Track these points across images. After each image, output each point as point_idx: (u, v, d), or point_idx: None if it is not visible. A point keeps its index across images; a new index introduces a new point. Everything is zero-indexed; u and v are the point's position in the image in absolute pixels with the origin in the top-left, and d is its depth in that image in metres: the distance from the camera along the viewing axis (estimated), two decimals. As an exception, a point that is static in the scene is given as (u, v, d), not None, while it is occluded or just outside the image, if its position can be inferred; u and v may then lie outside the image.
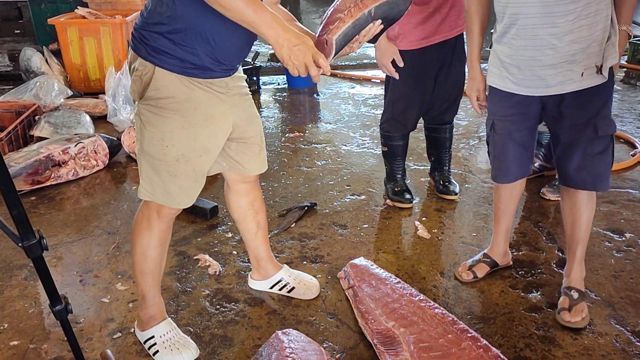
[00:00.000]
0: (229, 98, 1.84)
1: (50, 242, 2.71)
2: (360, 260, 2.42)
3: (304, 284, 2.30)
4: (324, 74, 1.60)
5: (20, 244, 1.20)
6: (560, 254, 2.58)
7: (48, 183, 3.26)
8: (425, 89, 2.79)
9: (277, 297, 2.30)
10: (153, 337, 2.00)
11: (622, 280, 2.40)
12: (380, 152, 3.14)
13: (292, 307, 2.25)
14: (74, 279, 2.44)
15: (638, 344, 2.03)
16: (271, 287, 2.31)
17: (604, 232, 2.76)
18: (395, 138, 2.95)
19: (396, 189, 3.06)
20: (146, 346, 2.02)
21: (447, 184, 3.13)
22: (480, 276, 2.42)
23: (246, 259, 2.54)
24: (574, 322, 2.11)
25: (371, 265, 2.38)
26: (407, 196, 3.03)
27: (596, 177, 2.07)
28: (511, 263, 2.50)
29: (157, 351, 1.98)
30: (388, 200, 3.06)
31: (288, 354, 1.77)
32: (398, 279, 2.25)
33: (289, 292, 2.29)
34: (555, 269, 2.48)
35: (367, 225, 2.85)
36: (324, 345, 2.03)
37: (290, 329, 1.95)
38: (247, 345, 2.05)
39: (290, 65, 1.54)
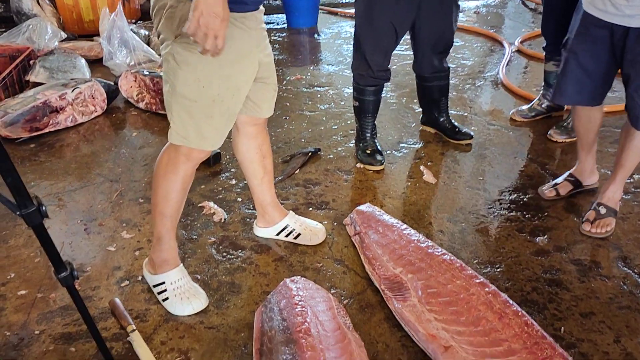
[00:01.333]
0: (256, 34, 1.79)
1: (52, 190, 2.69)
2: (367, 207, 2.40)
3: (310, 229, 2.29)
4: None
5: (18, 212, 1.15)
6: (569, 197, 2.56)
7: (46, 130, 3.20)
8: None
9: (284, 244, 2.29)
10: (164, 283, 1.99)
11: (629, 222, 2.39)
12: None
13: (298, 253, 2.24)
14: (79, 227, 2.43)
15: (645, 286, 2.04)
16: (277, 234, 2.30)
17: (611, 172, 2.73)
18: (367, 92, 2.78)
19: (367, 151, 2.88)
20: (155, 290, 2.02)
21: (457, 129, 3.07)
22: (562, 194, 2.51)
23: (251, 206, 2.52)
24: (594, 232, 2.23)
25: (377, 211, 2.36)
26: (379, 157, 2.86)
27: None
28: (597, 184, 2.56)
29: (167, 298, 1.98)
30: (358, 164, 2.89)
31: (297, 302, 1.78)
32: (405, 225, 2.23)
33: (295, 238, 2.28)
34: (563, 212, 2.46)
35: (372, 171, 2.82)
36: (332, 292, 2.04)
37: (298, 277, 1.95)
38: (255, 292, 2.06)
39: (195, 24, 1.46)
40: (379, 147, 2.91)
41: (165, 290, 1.99)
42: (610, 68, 2.17)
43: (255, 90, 1.94)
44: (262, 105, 2.01)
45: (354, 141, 3.04)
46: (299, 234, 2.28)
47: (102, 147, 3.11)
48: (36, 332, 1.89)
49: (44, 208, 1.16)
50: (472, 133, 3.07)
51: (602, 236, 2.26)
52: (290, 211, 2.35)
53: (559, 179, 2.58)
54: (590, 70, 2.19)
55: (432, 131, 3.17)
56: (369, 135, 2.92)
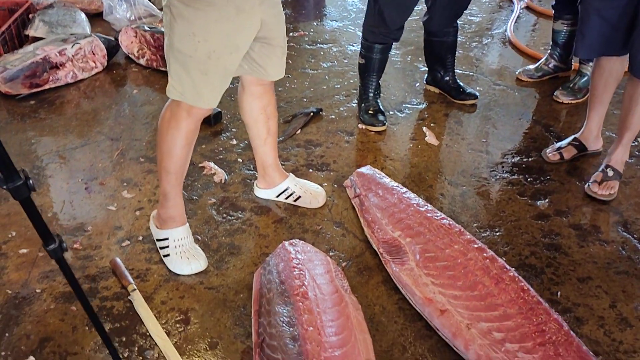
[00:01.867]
0: None
1: (53, 147, 2.69)
2: (367, 169, 2.39)
3: (310, 192, 2.29)
4: None
5: (4, 186, 1.12)
6: (571, 160, 2.54)
7: (47, 86, 3.17)
8: None
9: (284, 206, 2.30)
10: (167, 239, 2.01)
11: (631, 186, 2.38)
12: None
13: (298, 215, 2.25)
14: (79, 186, 2.43)
15: (644, 252, 2.04)
16: (277, 196, 2.30)
17: (615, 136, 2.70)
18: (375, 50, 2.71)
19: (369, 111, 2.84)
20: (158, 245, 2.04)
21: (462, 89, 3.02)
22: (567, 158, 2.51)
23: (251, 167, 2.51)
24: (600, 194, 2.26)
25: (378, 173, 2.35)
26: (381, 118, 2.82)
27: None
28: (601, 149, 2.56)
29: (168, 255, 2.00)
30: (360, 124, 2.86)
31: (295, 265, 1.79)
32: (405, 189, 2.22)
33: (295, 201, 2.28)
34: (565, 176, 2.45)
35: (373, 132, 2.79)
36: (330, 254, 2.05)
37: (297, 240, 1.96)
38: (254, 253, 2.07)
39: None
40: (381, 107, 2.87)
41: (167, 247, 2.01)
42: (635, 14, 2.13)
43: (259, 52, 1.90)
44: (268, 69, 1.97)
45: (356, 101, 3.00)
46: (299, 197, 2.28)
47: (102, 105, 3.08)
48: (37, 291, 1.92)
49: (31, 182, 1.14)
50: (477, 93, 3.02)
51: (606, 198, 2.27)
52: (291, 173, 2.34)
53: (563, 143, 2.55)
54: (615, 23, 2.17)
55: (436, 91, 3.12)
56: (371, 95, 2.87)
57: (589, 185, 2.32)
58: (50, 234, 1.26)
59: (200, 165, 2.53)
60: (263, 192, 2.32)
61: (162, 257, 2.02)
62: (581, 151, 2.52)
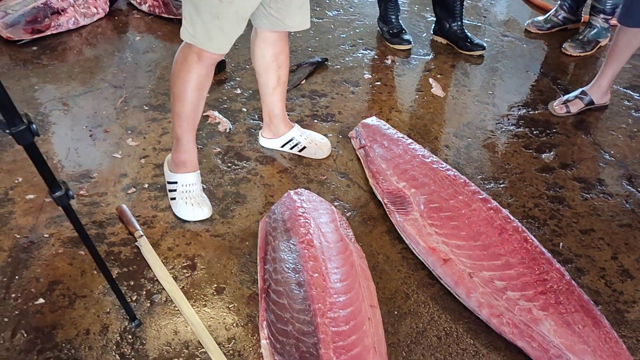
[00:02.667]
0: None
1: (56, 94, 2.67)
2: (372, 120, 2.38)
3: (315, 143, 2.28)
4: None
5: (7, 131, 1.11)
6: (577, 113, 2.52)
7: (48, 32, 3.12)
8: None
9: (288, 156, 2.30)
10: (176, 183, 2.03)
11: (637, 140, 2.37)
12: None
13: (303, 165, 2.25)
14: (84, 133, 2.42)
15: (647, 205, 2.05)
16: (282, 146, 2.29)
17: (624, 90, 2.68)
18: None
19: (393, 31, 2.98)
20: (168, 187, 2.07)
21: (470, 39, 2.98)
22: (573, 112, 2.51)
23: (256, 116, 2.50)
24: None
25: (383, 125, 2.34)
26: (406, 37, 2.99)
27: None
28: (608, 103, 2.55)
29: (175, 198, 2.03)
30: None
31: (301, 213, 1.80)
32: (410, 140, 2.22)
33: (300, 151, 2.28)
34: (571, 129, 2.44)
35: (379, 83, 2.76)
36: (335, 204, 2.06)
37: (302, 189, 1.96)
38: (259, 202, 2.09)
39: None
40: (404, 27, 2.99)
41: (175, 190, 2.03)
42: None
43: (276, 8, 1.87)
44: (286, 21, 1.93)
45: (362, 51, 2.97)
46: (304, 147, 2.28)
47: (105, 52, 3.04)
48: (45, 236, 1.94)
49: (34, 126, 1.12)
50: (484, 44, 2.98)
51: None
52: (296, 124, 2.33)
53: (571, 95, 2.53)
54: None
55: (443, 42, 3.07)
56: (394, 17, 2.99)
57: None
58: (56, 181, 1.26)
59: (204, 114, 2.52)
60: (268, 141, 2.31)
61: (170, 199, 2.04)
62: (588, 104, 2.49)
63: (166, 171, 2.08)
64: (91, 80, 2.80)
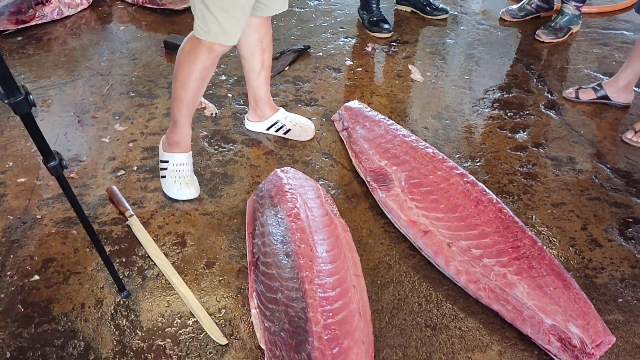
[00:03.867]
0: None
1: (43, 83, 2.71)
2: (354, 103, 2.46)
3: (300, 126, 2.36)
4: None
5: (6, 101, 1.16)
6: (550, 96, 2.63)
7: (33, 22, 3.15)
8: None
9: (274, 139, 2.37)
10: (168, 162, 2.10)
11: (607, 120, 2.48)
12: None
13: (288, 147, 2.33)
14: (72, 119, 2.47)
15: (616, 179, 2.15)
16: (267, 129, 2.37)
17: (595, 73, 2.79)
18: None
19: (373, 19, 3.07)
20: (160, 165, 2.13)
21: (432, 5, 3.21)
22: (582, 99, 2.57)
23: (241, 101, 2.57)
24: (635, 140, 2.33)
25: (365, 107, 2.42)
26: (385, 26, 3.08)
27: None
28: (629, 104, 2.55)
29: (165, 176, 2.10)
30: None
31: (287, 189, 1.88)
32: (391, 121, 2.30)
33: (285, 133, 2.35)
34: (543, 110, 2.54)
35: (360, 69, 2.85)
36: (320, 183, 2.14)
37: (288, 167, 2.04)
38: (246, 182, 2.16)
39: None
40: (384, 17, 3.08)
41: (166, 169, 2.10)
42: None
43: None
44: (269, 4, 2.00)
45: (343, 39, 3.05)
46: (288, 130, 2.35)
47: (90, 41, 3.08)
48: (38, 217, 1.99)
49: (31, 97, 1.18)
50: (447, 9, 3.27)
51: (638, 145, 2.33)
52: (281, 107, 2.40)
53: (588, 85, 2.60)
54: None
55: (408, 10, 3.22)
56: (374, 5, 3.07)
57: (626, 132, 2.37)
58: (51, 150, 1.32)
59: (190, 99, 2.58)
60: (253, 124, 2.38)
61: (160, 177, 2.12)
62: (601, 98, 2.55)
63: (160, 150, 2.14)
64: (77, 68, 2.84)
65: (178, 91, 1.95)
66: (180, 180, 2.07)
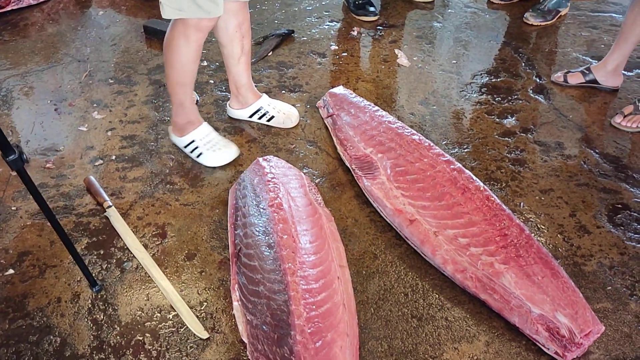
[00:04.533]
0: None
1: (19, 70, 2.63)
2: (339, 89, 2.40)
3: (284, 112, 2.30)
4: None
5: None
6: (538, 80, 2.59)
7: (9, 8, 3.06)
8: None
9: (257, 126, 2.31)
10: (194, 141, 2.09)
11: (595, 104, 2.45)
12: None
13: (271, 135, 2.27)
14: (49, 107, 2.40)
15: (605, 165, 2.12)
16: (250, 116, 2.31)
17: (584, 57, 2.75)
18: None
19: (358, 2, 3.02)
20: (187, 151, 2.12)
21: None
22: (570, 83, 2.53)
23: (223, 88, 2.50)
24: (624, 125, 2.29)
25: (350, 93, 2.37)
26: (371, 9, 3.03)
27: None
28: (618, 87, 2.51)
29: (201, 153, 2.09)
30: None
31: (270, 179, 1.83)
32: (377, 107, 2.25)
33: (268, 121, 2.30)
34: (532, 95, 2.50)
35: (346, 54, 2.79)
36: (304, 171, 2.09)
37: (271, 156, 1.99)
38: (228, 171, 2.10)
39: None
40: None
41: (197, 147, 2.09)
42: None
43: None
44: None
45: (328, 23, 2.98)
46: (272, 117, 2.30)
47: (67, 27, 3.00)
48: (13, 208, 1.93)
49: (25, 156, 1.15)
50: None
51: (632, 130, 2.28)
52: (264, 94, 2.34)
53: (576, 69, 2.56)
54: None
55: (409, 11, 3.12)
56: None
57: (615, 116, 2.32)
58: (9, 144, 1.27)
59: (171, 86, 2.51)
60: (236, 112, 2.32)
61: (196, 158, 2.10)
62: (590, 82, 2.50)
63: (176, 140, 2.14)
64: (54, 55, 2.76)
65: (180, 77, 1.96)
66: (217, 146, 2.09)
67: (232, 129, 2.30)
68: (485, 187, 1.82)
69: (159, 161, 2.14)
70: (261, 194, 1.78)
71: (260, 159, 1.95)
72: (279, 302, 1.47)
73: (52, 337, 1.54)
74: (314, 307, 1.46)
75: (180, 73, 1.94)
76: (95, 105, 2.41)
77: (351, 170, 2.05)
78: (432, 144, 2.00)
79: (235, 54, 2.14)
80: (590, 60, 2.72)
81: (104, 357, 1.49)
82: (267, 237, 1.63)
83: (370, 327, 1.58)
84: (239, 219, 1.80)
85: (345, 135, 2.16)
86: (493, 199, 1.77)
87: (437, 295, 1.66)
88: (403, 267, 1.75)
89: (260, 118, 2.31)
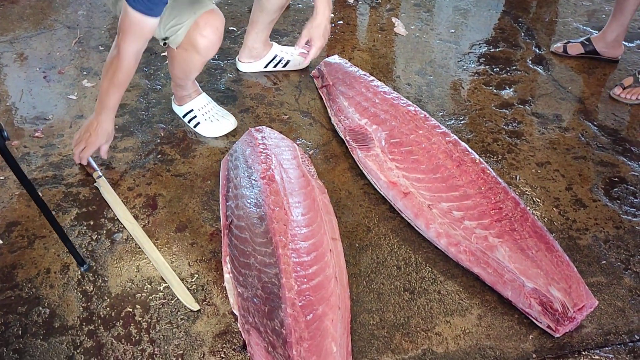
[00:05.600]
0: None
1: (7, 37, 2.56)
2: (335, 59, 2.35)
3: (297, 55, 2.33)
4: None
5: None
6: (537, 50, 2.54)
7: (-5, -28, 2.98)
8: None
9: (250, 96, 2.27)
10: (192, 110, 2.07)
11: (595, 76, 2.41)
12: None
13: (265, 105, 2.23)
14: (38, 75, 2.35)
15: (602, 137, 2.09)
16: (265, 66, 2.36)
17: (584, 27, 2.70)
18: None
19: None
20: (186, 120, 2.10)
21: None
22: (570, 54, 2.49)
23: (216, 56, 2.44)
24: (623, 97, 2.26)
25: (345, 63, 2.32)
26: None
27: None
28: (618, 58, 2.47)
29: (198, 123, 2.07)
30: None
31: (262, 150, 1.79)
32: (372, 77, 2.21)
33: (284, 66, 2.36)
34: (531, 66, 2.46)
35: (342, 22, 2.73)
36: (298, 142, 2.06)
37: (264, 127, 1.95)
38: (221, 142, 2.07)
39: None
40: None
41: (195, 117, 2.07)
42: None
43: None
44: None
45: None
46: (288, 61, 2.35)
47: (57, -8, 2.92)
48: (1, 178, 1.89)
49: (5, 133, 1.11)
50: None
51: (631, 102, 2.25)
52: (274, 42, 2.37)
53: (576, 40, 2.51)
54: None
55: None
56: None
57: (614, 87, 2.29)
58: None
59: (162, 54, 2.46)
60: (248, 65, 2.35)
61: (193, 128, 2.08)
62: (589, 52, 2.46)
63: (176, 108, 2.13)
64: (44, 21, 2.69)
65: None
66: (215, 117, 2.07)
67: (224, 98, 2.25)
68: (481, 159, 1.80)
69: (150, 131, 2.10)
70: (253, 166, 1.75)
71: (253, 130, 1.91)
72: (270, 275, 1.45)
73: (41, 308, 1.53)
74: (305, 280, 1.45)
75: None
76: (85, 73, 2.35)
77: (345, 141, 2.02)
78: (427, 116, 1.96)
79: (281, 3, 2.14)
80: (591, 30, 2.67)
81: (93, 328, 1.48)
82: (258, 209, 1.61)
83: (363, 299, 1.57)
84: (230, 190, 1.77)
85: (340, 106, 2.12)
86: (488, 171, 1.75)
87: (430, 269, 1.65)
88: (396, 240, 1.73)
89: (276, 65, 2.35)
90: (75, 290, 1.57)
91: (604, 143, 2.07)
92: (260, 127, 1.94)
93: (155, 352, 1.43)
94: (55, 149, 2.01)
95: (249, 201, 1.65)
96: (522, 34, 2.65)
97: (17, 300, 1.55)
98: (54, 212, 1.78)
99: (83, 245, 1.68)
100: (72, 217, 1.77)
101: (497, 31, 2.69)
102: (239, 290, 1.52)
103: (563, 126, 2.15)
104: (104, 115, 1.80)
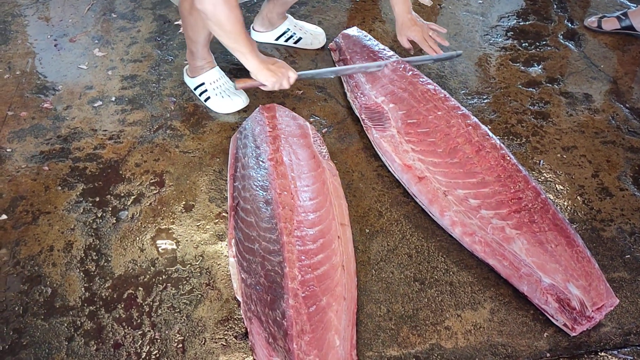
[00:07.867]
0: None
1: (18, 1, 2.51)
2: (354, 31, 2.25)
3: (310, 33, 2.27)
4: None
5: None
6: (570, 24, 2.40)
7: None
8: None
9: (264, 68, 2.18)
10: (203, 83, 2.01)
11: (630, 54, 2.26)
12: None
13: (279, 78, 2.14)
14: (48, 43, 2.29)
15: (634, 121, 1.97)
16: (277, 39, 2.27)
17: (621, 0, 2.53)
18: None
19: None
20: (197, 93, 2.04)
21: None
22: (605, 29, 2.36)
23: (231, 25, 2.36)
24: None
25: (365, 36, 2.21)
26: None
27: None
28: None
29: (209, 97, 2.01)
30: None
31: (270, 130, 1.72)
32: (392, 52, 2.10)
33: (295, 42, 2.26)
34: (562, 41, 2.32)
35: (364, -11, 2.60)
36: (311, 120, 1.98)
37: (274, 104, 1.87)
38: (232, 117, 2.00)
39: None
40: None
41: (205, 91, 2.01)
42: None
43: None
44: None
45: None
46: (299, 38, 2.25)
47: (72, -45, 2.84)
48: (8, 150, 1.86)
49: None
50: None
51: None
52: (289, 15, 2.27)
53: (611, 14, 2.37)
54: None
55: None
56: None
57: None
58: None
59: (176, 22, 2.38)
60: (261, 35, 2.27)
61: (204, 101, 2.02)
62: (625, 28, 2.32)
63: (188, 80, 2.07)
64: (56, -14, 2.63)
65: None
66: (226, 92, 2.00)
67: (237, 71, 2.17)
68: (502, 144, 1.70)
69: (160, 104, 2.04)
70: (261, 146, 1.68)
71: (262, 107, 1.84)
72: (274, 263, 1.40)
73: (42, 287, 1.50)
74: (309, 269, 1.39)
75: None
76: (96, 41, 2.29)
77: (360, 120, 1.93)
78: (447, 95, 1.86)
79: None
80: (629, 4, 2.50)
81: (94, 309, 1.46)
82: (264, 193, 1.55)
83: (370, 289, 1.51)
84: (238, 170, 1.71)
85: (357, 81, 2.03)
86: (509, 158, 1.65)
87: (442, 258, 1.58)
88: (409, 227, 1.66)
89: (287, 40, 2.26)
90: (78, 270, 1.54)
91: (635, 127, 1.95)
92: (270, 104, 1.86)
93: (156, 337, 1.40)
94: (64, 122, 1.96)
95: (256, 183, 1.59)
96: (555, 7, 2.50)
97: (19, 277, 1.53)
98: (59, 188, 1.75)
99: (87, 223, 1.64)
100: (78, 193, 1.74)
101: (528, 3, 2.54)
102: (242, 275, 1.47)
103: (593, 107, 2.03)
104: (258, 54, 1.76)
